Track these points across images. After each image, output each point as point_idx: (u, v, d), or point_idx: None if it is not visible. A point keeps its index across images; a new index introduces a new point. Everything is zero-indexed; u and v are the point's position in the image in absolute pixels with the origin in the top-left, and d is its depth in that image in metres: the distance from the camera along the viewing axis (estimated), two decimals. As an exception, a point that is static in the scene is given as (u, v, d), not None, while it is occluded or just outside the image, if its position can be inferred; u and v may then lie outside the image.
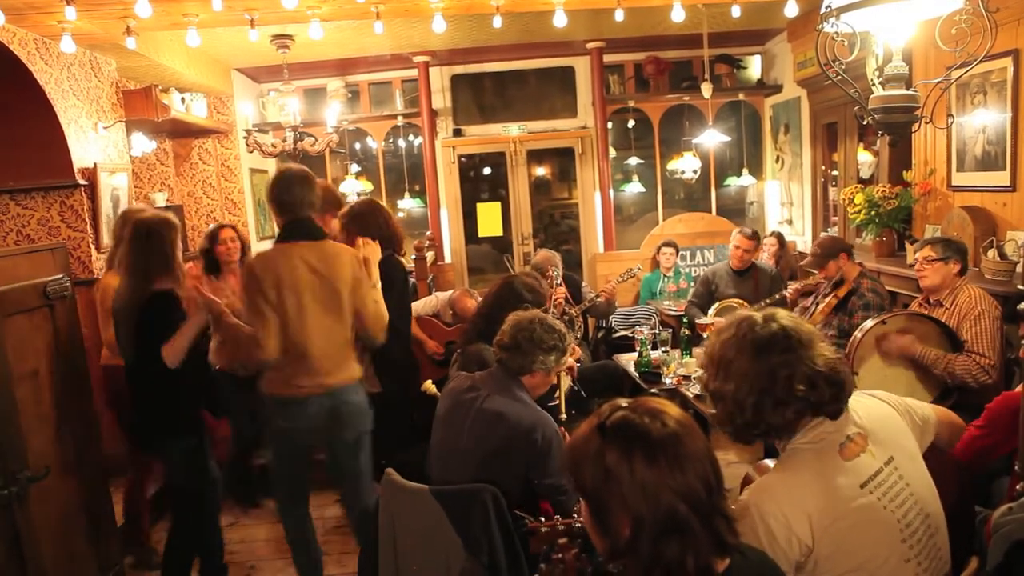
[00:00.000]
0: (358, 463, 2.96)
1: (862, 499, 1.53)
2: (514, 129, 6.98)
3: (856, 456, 1.57)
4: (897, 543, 1.54)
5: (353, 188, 6.82)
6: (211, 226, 4.24)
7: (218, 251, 4.02)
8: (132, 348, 2.83)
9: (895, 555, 1.53)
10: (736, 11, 4.50)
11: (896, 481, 1.59)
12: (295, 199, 2.79)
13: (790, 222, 6.76)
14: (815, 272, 4.21)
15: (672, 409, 1.30)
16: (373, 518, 2.88)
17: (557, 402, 2.90)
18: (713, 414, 1.66)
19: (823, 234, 5.83)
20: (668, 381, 3.68)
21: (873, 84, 2.05)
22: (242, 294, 2.86)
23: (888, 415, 1.71)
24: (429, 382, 2.99)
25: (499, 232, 7.24)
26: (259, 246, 6.67)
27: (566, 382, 3.40)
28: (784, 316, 1.63)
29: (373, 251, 2.97)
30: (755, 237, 4.96)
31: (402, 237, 3.52)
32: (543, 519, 1.82)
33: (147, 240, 2.81)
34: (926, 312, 3.26)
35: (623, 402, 1.31)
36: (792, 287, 4.48)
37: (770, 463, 1.80)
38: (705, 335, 4.41)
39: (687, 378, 3.60)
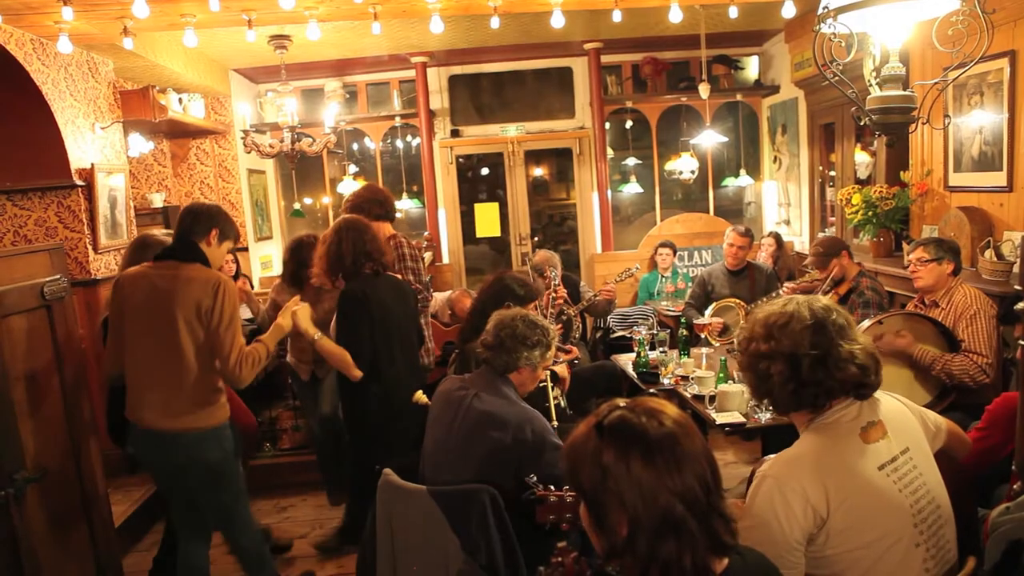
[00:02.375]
0: (217, 503, 2.75)
1: (878, 480, 1.58)
2: (512, 130, 6.98)
3: (876, 441, 1.62)
4: (909, 527, 1.58)
5: (351, 189, 6.82)
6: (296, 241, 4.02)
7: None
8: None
9: (906, 538, 1.57)
10: (733, 12, 4.50)
11: (911, 470, 1.63)
12: (182, 227, 2.74)
13: (787, 222, 6.77)
14: (810, 271, 4.21)
15: (670, 409, 1.30)
16: (255, 552, 2.87)
17: (548, 405, 2.91)
18: (751, 380, 1.71)
19: (820, 234, 5.84)
20: (666, 381, 3.68)
21: (870, 85, 2.05)
22: None
23: (904, 413, 1.77)
24: (420, 392, 2.99)
25: (497, 233, 7.25)
26: (255, 247, 6.67)
27: (566, 375, 3.40)
28: (828, 301, 1.72)
29: (301, 309, 2.86)
30: (749, 234, 4.96)
31: (361, 256, 3.03)
32: (552, 487, 1.82)
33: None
34: (922, 312, 3.27)
35: (621, 402, 1.32)
36: (787, 286, 4.48)
37: (770, 458, 1.82)
38: (703, 335, 4.41)
39: (685, 378, 3.60)
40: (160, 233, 3.55)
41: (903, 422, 1.72)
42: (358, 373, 2.92)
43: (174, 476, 2.71)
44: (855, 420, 1.63)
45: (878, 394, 1.74)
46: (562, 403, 3.41)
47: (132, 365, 2.65)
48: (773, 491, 1.54)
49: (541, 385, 2.85)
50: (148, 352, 2.61)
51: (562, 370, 3.49)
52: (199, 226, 2.73)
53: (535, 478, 1.93)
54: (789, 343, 1.61)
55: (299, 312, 2.87)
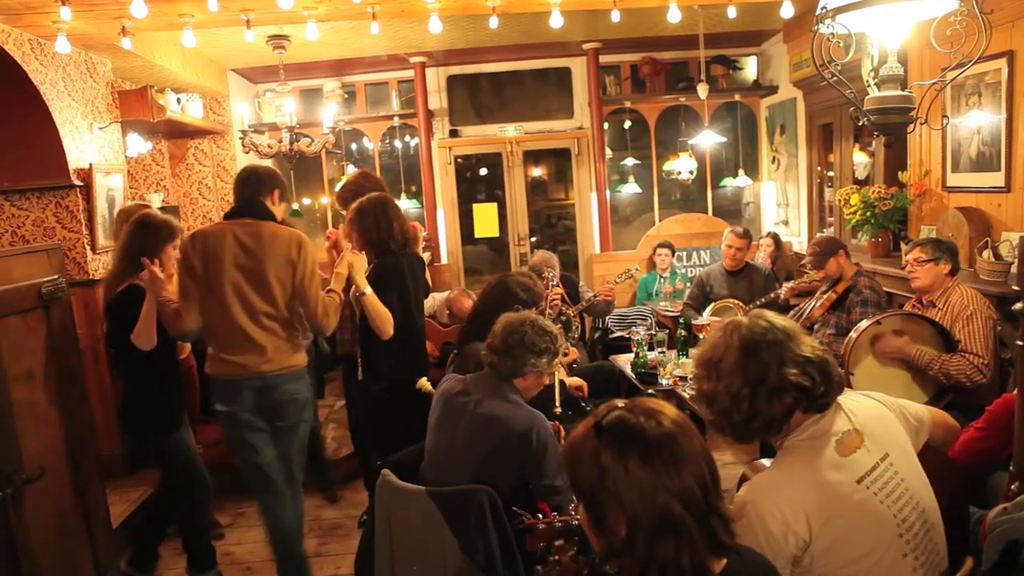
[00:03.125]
0: (292, 462, 2.99)
1: (858, 494, 1.55)
2: (510, 130, 6.98)
3: (852, 452, 1.59)
4: (894, 538, 1.55)
5: (350, 189, 6.82)
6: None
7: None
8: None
9: (892, 550, 1.55)
10: (732, 12, 4.50)
11: (892, 477, 1.60)
12: (249, 187, 2.95)
13: (786, 223, 6.78)
14: (809, 271, 4.22)
15: (668, 409, 1.30)
16: (292, 536, 2.97)
17: (551, 395, 2.89)
18: (710, 417, 1.69)
19: (818, 234, 5.85)
20: (664, 382, 3.68)
21: (868, 85, 2.06)
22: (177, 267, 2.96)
23: (882, 414, 1.72)
24: (424, 379, 2.99)
25: (495, 233, 7.24)
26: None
27: (562, 373, 3.41)
28: (770, 314, 1.67)
29: (357, 260, 3.05)
30: (747, 235, 4.96)
31: (402, 235, 3.32)
32: (540, 516, 1.81)
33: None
34: (919, 312, 3.28)
35: (619, 402, 1.32)
36: (786, 286, 4.49)
37: (766, 462, 1.81)
38: (702, 335, 4.41)
39: (683, 379, 3.61)
40: (153, 208, 3.65)
41: (881, 424, 1.68)
42: (391, 332, 3.08)
43: (269, 419, 2.89)
44: (829, 433, 1.60)
45: (853, 395, 1.72)
46: (585, 405, 3.42)
47: (226, 317, 2.80)
48: (753, 519, 1.52)
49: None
50: (244, 304, 2.79)
51: (572, 381, 3.48)
52: (264, 186, 2.96)
53: (521, 515, 1.92)
54: (725, 383, 1.59)
55: (355, 262, 3.03)
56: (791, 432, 1.62)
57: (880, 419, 1.70)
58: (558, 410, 2.79)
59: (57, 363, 2.58)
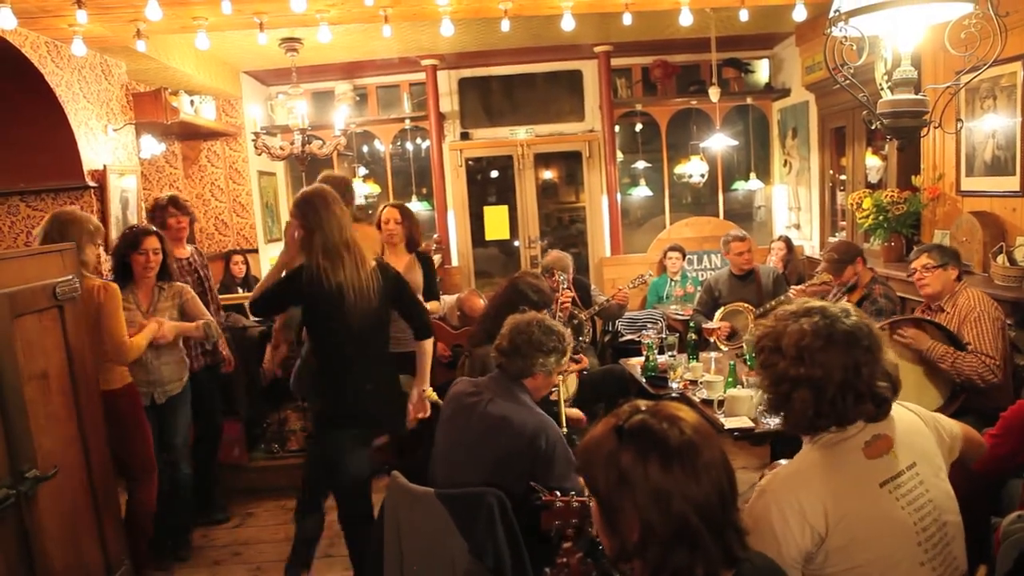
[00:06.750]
0: None
1: (879, 498, 1.55)
2: (521, 132, 6.99)
3: (879, 456, 1.59)
4: (912, 545, 1.54)
5: (361, 191, 6.85)
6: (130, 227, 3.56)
7: (136, 259, 3.30)
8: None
9: (909, 556, 1.54)
10: (744, 15, 4.49)
11: (916, 486, 1.60)
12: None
13: (798, 227, 6.74)
14: (818, 273, 4.18)
15: (690, 415, 1.28)
16: None
17: (556, 410, 2.90)
18: (768, 396, 1.65)
19: (831, 239, 5.81)
20: (675, 385, 3.67)
21: (882, 88, 2.04)
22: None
23: (916, 424, 1.72)
24: (429, 389, 2.99)
25: (506, 235, 7.25)
26: (267, 248, 6.69)
27: (574, 383, 3.38)
28: (856, 311, 1.65)
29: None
30: (746, 237, 4.93)
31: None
32: (558, 493, 1.81)
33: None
34: (928, 317, 3.26)
35: (642, 404, 1.30)
36: (794, 289, 4.45)
37: (783, 462, 1.80)
38: (712, 339, 4.39)
39: (694, 383, 3.59)
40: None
41: (913, 435, 1.67)
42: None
43: None
44: (859, 435, 1.59)
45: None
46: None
47: None
48: (771, 508, 1.52)
49: (553, 388, 2.85)
50: None
51: (572, 413, 3.46)
52: None
53: (539, 492, 1.92)
54: (821, 371, 1.55)
55: None
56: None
57: (913, 429, 1.69)
58: (564, 429, 2.79)
59: (70, 362, 2.60)
